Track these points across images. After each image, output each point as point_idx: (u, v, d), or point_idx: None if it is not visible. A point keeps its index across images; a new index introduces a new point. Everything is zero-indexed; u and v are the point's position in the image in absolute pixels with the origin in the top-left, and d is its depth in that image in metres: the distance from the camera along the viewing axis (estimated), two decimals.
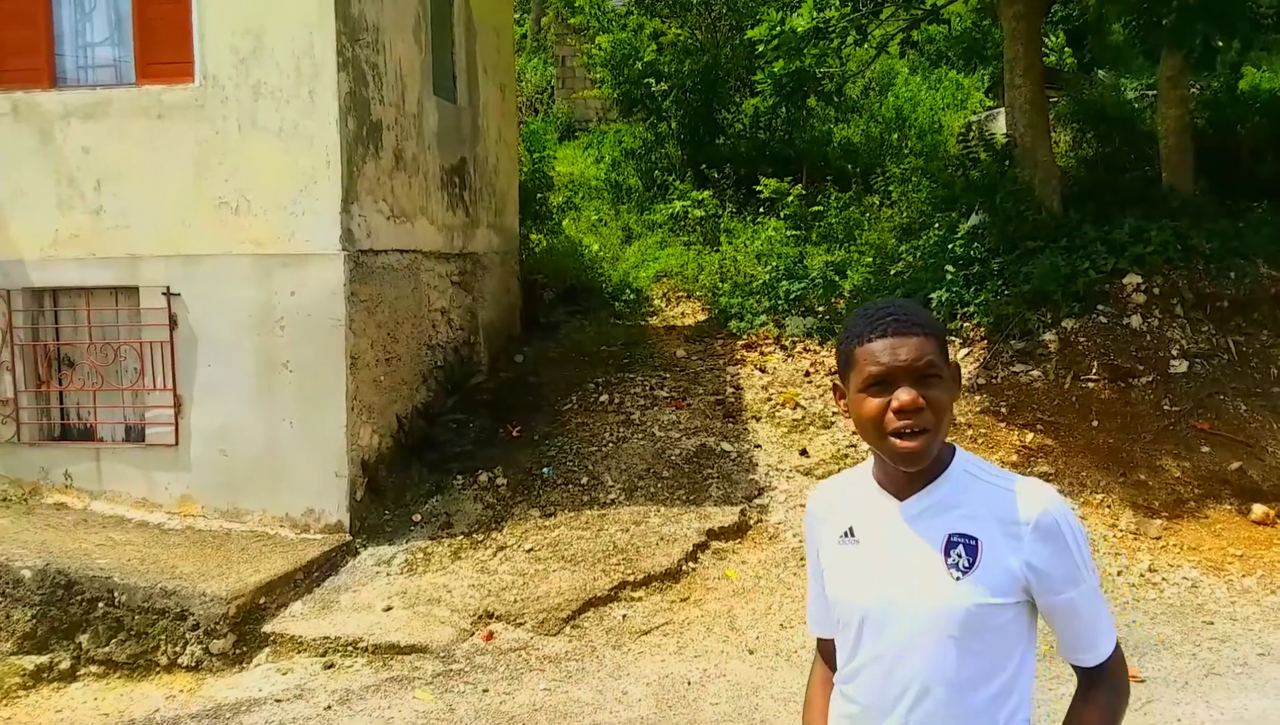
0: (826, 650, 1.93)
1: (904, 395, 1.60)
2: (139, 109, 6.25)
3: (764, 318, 8.96)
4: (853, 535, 1.75)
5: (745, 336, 8.82)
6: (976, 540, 1.63)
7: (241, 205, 6.16)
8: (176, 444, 6.26)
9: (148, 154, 6.22)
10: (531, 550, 5.96)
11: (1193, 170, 9.28)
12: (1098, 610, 1.67)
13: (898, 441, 1.61)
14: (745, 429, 7.33)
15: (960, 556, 1.63)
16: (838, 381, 1.76)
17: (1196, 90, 10.81)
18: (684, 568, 5.80)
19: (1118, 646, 1.70)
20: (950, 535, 1.65)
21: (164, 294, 6.21)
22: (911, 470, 1.66)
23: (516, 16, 15.37)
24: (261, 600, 5.28)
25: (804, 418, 7.41)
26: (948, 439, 1.71)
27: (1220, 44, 7.09)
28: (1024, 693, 1.68)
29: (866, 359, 1.64)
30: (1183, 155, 9.26)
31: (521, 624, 5.29)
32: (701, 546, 5.99)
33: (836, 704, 1.82)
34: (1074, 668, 1.72)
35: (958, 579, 1.62)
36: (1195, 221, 8.06)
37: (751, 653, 5.02)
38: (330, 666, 4.97)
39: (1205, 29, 6.95)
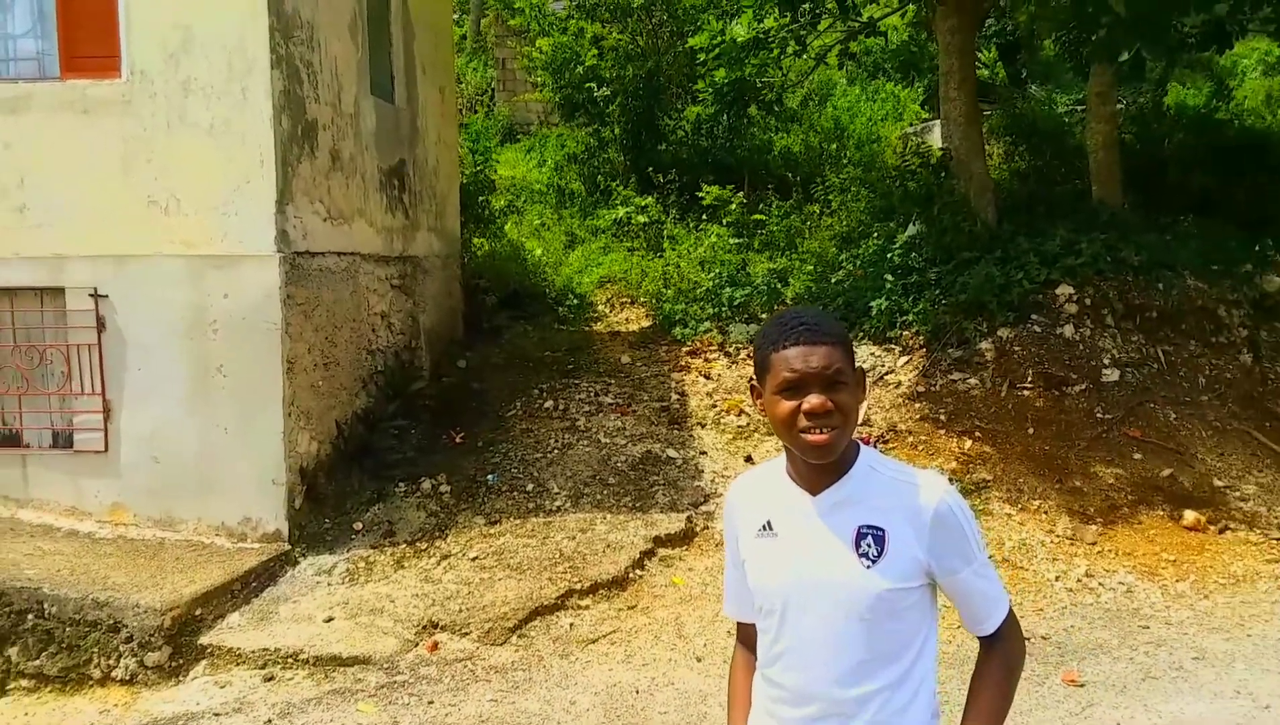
0: (746, 635, 2.07)
1: (814, 399, 1.75)
2: (64, 104, 6.00)
3: (708, 324, 8.98)
4: (771, 529, 1.90)
5: (689, 343, 8.83)
6: (884, 531, 1.80)
7: (171, 205, 5.95)
8: (106, 450, 6.02)
9: (73, 150, 5.98)
10: (476, 559, 5.86)
11: (1121, 184, 9.57)
12: (990, 583, 1.87)
13: (807, 436, 1.77)
14: (691, 435, 7.33)
15: (870, 546, 1.80)
16: (754, 382, 1.89)
17: (1124, 106, 11.17)
18: (631, 575, 5.76)
19: (1011, 612, 1.90)
20: (860, 527, 1.81)
21: (91, 295, 5.98)
22: (820, 463, 1.82)
23: (456, 18, 15.22)
24: (198, 611, 5.09)
25: (749, 424, 7.44)
26: (856, 437, 1.88)
27: (1149, 56, 7.30)
28: (929, 665, 1.88)
29: (781, 365, 1.79)
30: (1112, 169, 9.54)
31: (467, 634, 5.20)
32: (648, 554, 5.96)
33: (760, 688, 1.96)
34: (977, 637, 1.92)
35: (868, 567, 1.79)
36: (1124, 234, 8.30)
37: (699, 660, 5.01)
38: (270, 679, 4.82)
39: (1134, 42, 7.16)
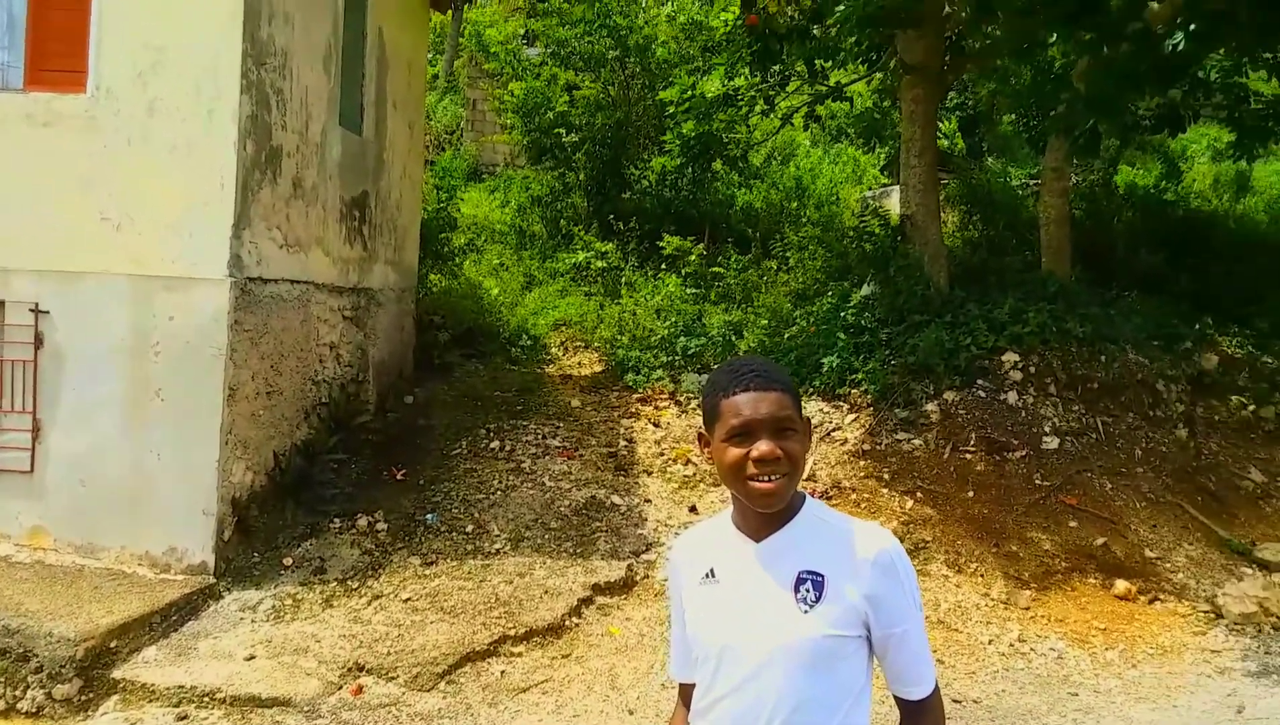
0: (687, 695, 2.02)
1: (763, 446, 1.75)
2: (24, 115, 5.93)
3: (660, 372, 9.00)
4: (713, 576, 1.89)
5: (641, 390, 8.83)
6: (823, 577, 1.79)
7: (125, 222, 5.87)
8: (32, 471, 5.85)
9: (30, 163, 5.90)
10: (409, 600, 5.75)
11: (1070, 258, 9.81)
12: (923, 647, 1.85)
13: (755, 483, 1.76)
14: (636, 483, 7.30)
15: (808, 591, 1.78)
16: (702, 430, 1.89)
17: (1077, 182, 11.48)
18: (567, 623, 5.68)
19: (937, 687, 1.88)
20: (800, 572, 1.80)
21: (31, 310, 5.85)
22: (767, 512, 1.81)
23: (430, 56, 15.31)
24: (113, 643, 4.93)
25: (695, 474, 7.43)
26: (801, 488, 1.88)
27: (1104, 129, 7.55)
28: (863, 721, 1.84)
29: (730, 411, 1.79)
30: (1062, 243, 9.78)
31: (394, 678, 5.07)
32: (586, 601, 5.89)
33: None
34: (899, 701, 1.88)
35: (805, 612, 1.78)
36: (1070, 306, 8.48)
37: (631, 713, 4.93)
38: (184, 718, 4.65)
39: (1092, 117, 7.38)
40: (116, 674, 4.84)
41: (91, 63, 5.88)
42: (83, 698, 4.74)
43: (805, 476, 7.35)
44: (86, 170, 5.88)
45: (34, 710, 4.69)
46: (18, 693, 4.72)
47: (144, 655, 5.02)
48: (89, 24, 5.86)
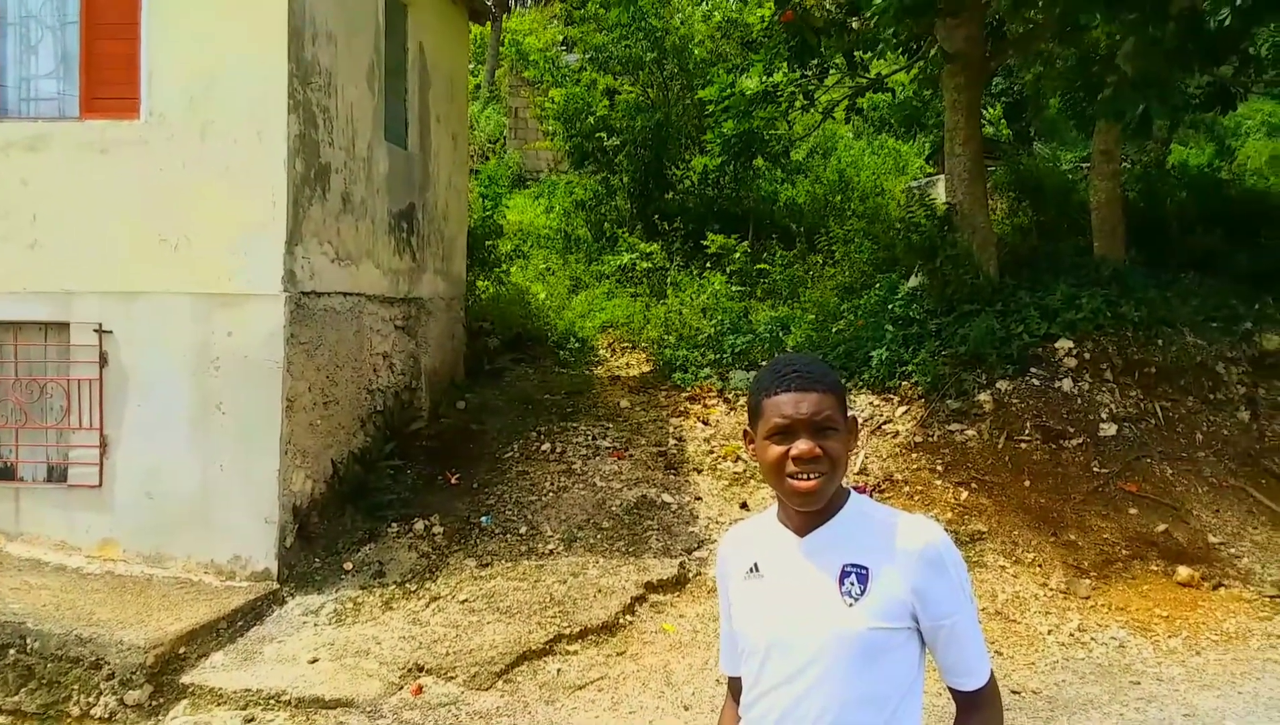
0: (736, 689, 2.03)
1: (802, 445, 1.77)
2: (82, 143, 6.16)
3: (708, 371, 9.02)
4: (758, 570, 1.90)
5: (689, 389, 8.86)
6: (867, 569, 1.79)
7: (182, 243, 6.06)
8: (100, 485, 6.07)
9: (89, 189, 6.12)
10: (466, 601, 5.85)
11: (1124, 241, 9.62)
12: (976, 638, 1.82)
13: (794, 482, 1.78)
14: (686, 481, 7.33)
15: (853, 584, 1.78)
16: (747, 428, 1.91)
17: (1128, 164, 11.26)
18: (621, 621, 5.73)
19: (993, 676, 1.86)
20: (844, 565, 1.80)
21: (95, 331, 6.07)
22: (807, 510, 1.83)
23: (471, 67, 15.50)
24: (181, 650, 5.10)
25: (745, 471, 7.44)
26: (846, 484, 1.89)
27: (1155, 115, 7.39)
28: (914, 714, 1.83)
29: (772, 410, 1.81)
30: (1114, 226, 9.59)
31: (452, 678, 5.17)
32: (639, 599, 5.94)
33: None
34: (954, 693, 1.86)
35: (850, 605, 1.77)
36: (1125, 291, 8.33)
37: (687, 709, 4.96)
38: (250, 720, 4.79)
39: (1141, 100, 7.24)
40: (185, 679, 5.01)
41: (144, 90, 6.08)
42: (153, 703, 4.91)
43: (857, 470, 7.32)
44: (144, 193, 6.08)
45: (107, 716, 4.87)
46: (91, 699, 4.91)
47: (211, 660, 5.18)
48: (140, 52, 6.07)
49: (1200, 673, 5.30)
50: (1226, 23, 6.33)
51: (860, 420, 7.81)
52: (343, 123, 6.74)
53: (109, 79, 6.17)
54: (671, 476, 7.37)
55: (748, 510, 6.96)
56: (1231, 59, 8.01)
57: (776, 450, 1.79)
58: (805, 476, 1.77)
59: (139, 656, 4.93)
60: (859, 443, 7.56)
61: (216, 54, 6.01)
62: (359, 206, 7.05)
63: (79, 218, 6.12)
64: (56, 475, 6.21)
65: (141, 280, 6.10)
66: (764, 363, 9.02)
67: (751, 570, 1.90)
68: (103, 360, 6.08)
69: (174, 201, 6.06)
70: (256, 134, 6.01)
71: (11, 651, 4.97)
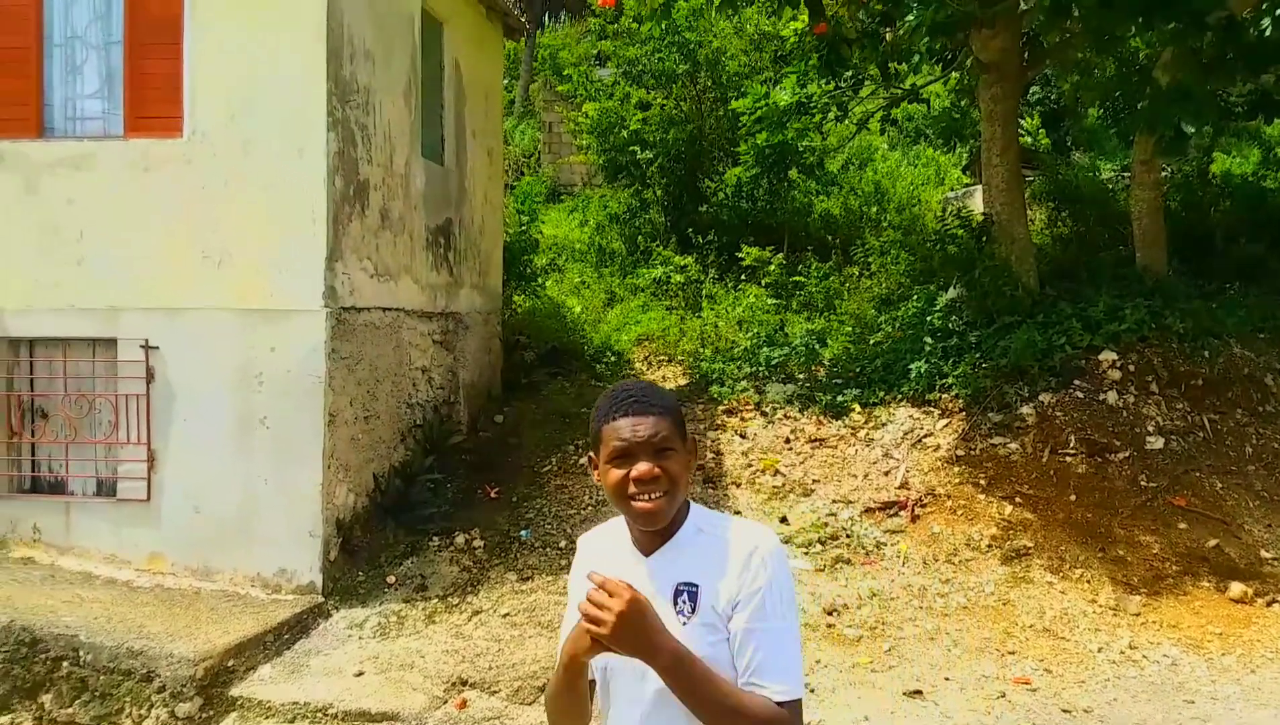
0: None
1: (642, 466, 1.81)
2: (126, 161, 6.27)
3: (745, 384, 8.97)
4: None
5: (726, 402, 8.81)
6: (697, 587, 1.81)
7: (225, 259, 6.14)
8: (149, 499, 6.15)
9: (133, 206, 6.22)
10: (508, 615, 5.85)
11: (1166, 251, 9.47)
12: (793, 650, 1.77)
13: (636, 503, 1.81)
14: (725, 494, 7.30)
15: (685, 603, 1.81)
16: (591, 454, 1.94)
17: (1169, 173, 11.10)
18: None
19: (798, 708, 1.74)
20: (677, 584, 1.83)
21: (142, 347, 6.16)
22: (650, 529, 1.85)
23: (505, 83, 15.61)
24: (230, 663, 5.14)
25: (784, 484, 7.40)
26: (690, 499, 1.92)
27: (1190, 130, 7.29)
28: None
29: (611, 435, 1.85)
30: (1156, 236, 9.45)
31: (496, 692, 5.17)
32: None
33: None
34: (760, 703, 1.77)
35: (684, 624, 1.79)
36: (1169, 301, 8.20)
37: None
38: None
39: (1176, 115, 7.15)
40: (234, 692, 5.05)
41: (186, 108, 6.18)
42: (203, 715, 4.96)
43: (898, 484, 7.25)
44: (187, 210, 6.17)
45: None
46: (143, 711, 4.96)
47: (259, 673, 5.22)
48: (183, 72, 6.17)
49: (1256, 691, 5.18)
50: (1269, 33, 6.24)
51: (901, 433, 7.74)
52: (380, 139, 6.80)
53: (152, 98, 6.27)
54: (709, 490, 7.34)
55: (787, 524, 6.91)
56: (1275, 68, 7.89)
57: (617, 473, 1.82)
58: (646, 497, 1.80)
59: (189, 669, 4.97)
60: (901, 458, 7.49)
61: (257, 73, 6.10)
62: (397, 222, 7.11)
63: (124, 235, 6.22)
64: (106, 489, 6.31)
65: (186, 296, 6.18)
66: (801, 376, 9.01)
67: None
68: (150, 376, 6.16)
69: (216, 218, 6.14)
70: (297, 151, 6.08)
71: (65, 664, 5.04)
